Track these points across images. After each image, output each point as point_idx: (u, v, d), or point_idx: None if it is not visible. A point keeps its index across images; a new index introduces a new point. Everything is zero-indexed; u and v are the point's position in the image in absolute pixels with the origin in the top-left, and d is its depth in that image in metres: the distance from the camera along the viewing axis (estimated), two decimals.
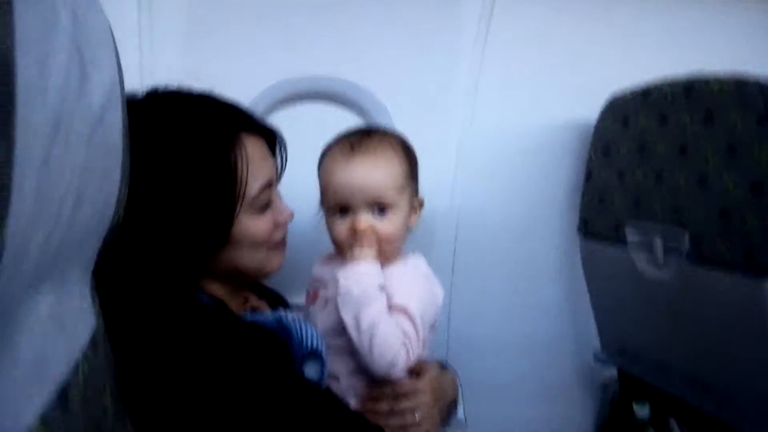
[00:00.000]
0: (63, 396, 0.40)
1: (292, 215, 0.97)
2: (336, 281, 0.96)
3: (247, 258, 0.91)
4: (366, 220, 0.98)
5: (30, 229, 0.31)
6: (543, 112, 1.49)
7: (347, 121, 1.35)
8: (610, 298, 1.47)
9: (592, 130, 1.42)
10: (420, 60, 1.41)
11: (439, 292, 1.02)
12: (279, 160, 0.99)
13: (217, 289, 0.92)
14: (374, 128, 1.08)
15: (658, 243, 1.25)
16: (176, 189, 0.82)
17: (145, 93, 0.88)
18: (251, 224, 0.89)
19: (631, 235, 1.32)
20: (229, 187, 0.85)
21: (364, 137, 1.01)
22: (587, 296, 1.55)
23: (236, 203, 0.86)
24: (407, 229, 1.02)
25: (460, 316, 1.54)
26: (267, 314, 0.96)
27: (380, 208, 0.98)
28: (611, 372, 1.61)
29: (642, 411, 1.48)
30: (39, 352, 0.37)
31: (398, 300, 0.94)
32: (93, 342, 0.51)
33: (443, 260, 1.52)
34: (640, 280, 1.31)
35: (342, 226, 0.99)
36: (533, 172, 1.54)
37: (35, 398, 0.36)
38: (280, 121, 1.08)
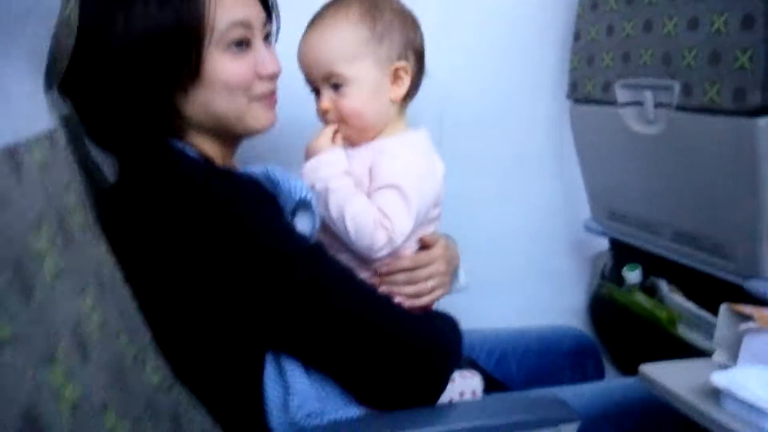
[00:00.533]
0: (12, 157, 0.38)
1: (278, 70, 0.93)
2: None
3: (223, 103, 0.87)
4: (328, 98, 0.95)
5: None
6: None
7: None
8: (600, 160, 1.46)
9: None
10: None
11: (438, 168, 0.98)
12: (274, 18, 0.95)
13: (204, 144, 0.90)
14: None
15: (649, 98, 1.23)
16: (143, 26, 0.80)
17: None
18: (223, 65, 0.85)
19: (621, 94, 1.30)
20: (194, 20, 0.82)
21: (323, 9, 0.96)
22: (577, 170, 1.54)
23: (201, 33, 0.83)
24: (386, 101, 0.96)
25: (448, 196, 1.53)
26: (254, 168, 0.94)
27: (335, 83, 0.94)
28: (602, 244, 1.62)
29: (632, 276, 1.48)
30: None
31: (387, 177, 0.92)
32: (50, 139, 0.49)
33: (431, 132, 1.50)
34: (630, 137, 1.29)
35: (318, 108, 0.97)
36: (520, 39, 1.50)
37: None
38: None
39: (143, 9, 0.79)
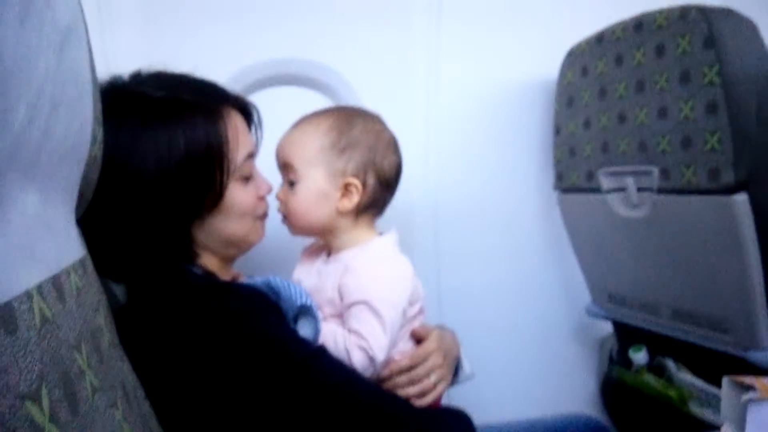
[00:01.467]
0: (57, 285, 0.43)
1: (270, 188, 1.01)
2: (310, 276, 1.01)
3: (235, 227, 0.95)
4: (283, 191, 1.01)
5: (10, 93, 0.34)
6: (506, 74, 1.53)
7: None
8: (593, 247, 1.50)
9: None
10: (378, 34, 1.45)
11: (405, 269, 0.99)
12: (255, 135, 1.03)
13: (209, 262, 0.96)
14: (334, 107, 1.11)
15: (631, 183, 1.28)
16: (171, 158, 0.86)
17: (129, 75, 0.92)
18: (238, 194, 0.93)
19: (605, 182, 1.36)
20: (220, 152, 0.89)
21: (308, 114, 1.03)
22: (573, 256, 1.58)
23: (228, 168, 0.90)
24: (331, 210, 0.99)
25: (449, 292, 1.56)
26: (255, 278, 0.99)
27: (290, 179, 1.00)
28: (606, 328, 1.64)
29: (638, 357, 1.49)
30: (28, 234, 0.40)
31: (354, 294, 0.95)
32: (82, 265, 0.54)
33: (425, 236, 1.55)
34: (618, 222, 1.34)
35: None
36: (504, 136, 1.58)
37: (34, 270, 0.39)
38: None
39: (172, 141, 0.86)
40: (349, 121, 1.00)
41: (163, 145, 0.85)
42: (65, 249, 0.49)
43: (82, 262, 0.54)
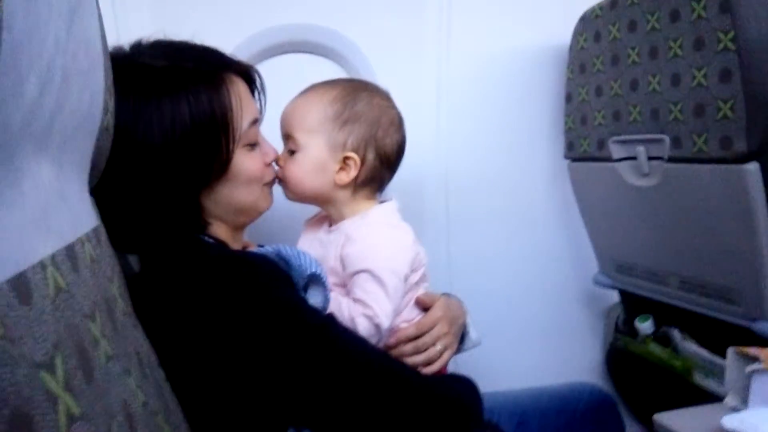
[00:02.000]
0: (71, 255, 0.44)
1: (277, 155, 1.01)
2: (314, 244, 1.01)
3: (244, 194, 0.94)
4: (283, 157, 1.00)
5: (21, 65, 0.34)
6: (518, 40, 1.51)
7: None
8: (602, 215, 1.50)
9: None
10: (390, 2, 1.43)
11: (405, 236, 1.00)
12: (259, 101, 1.02)
13: (219, 231, 0.96)
14: (343, 78, 1.09)
15: (642, 152, 1.27)
16: (176, 127, 0.85)
17: (130, 46, 0.91)
18: (245, 160, 0.93)
19: (616, 150, 1.35)
20: (225, 119, 0.89)
21: (316, 83, 1.03)
22: (581, 225, 1.58)
23: (234, 135, 0.90)
24: (329, 182, 0.99)
25: (458, 259, 1.57)
26: (265, 247, 0.99)
27: (291, 147, 1.00)
28: (613, 297, 1.64)
29: (644, 326, 1.50)
30: (43, 205, 0.41)
31: (355, 263, 0.95)
32: (96, 235, 0.54)
33: (436, 204, 1.55)
34: (628, 191, 1.34)
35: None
36: (515, 104, 1.56)
37: (49, 241, 0.39)
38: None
39: (176, 110, 0.85)
40: (355, 94, 1.00)
41: (167, 115, 0.85)
42: (79, 219, 0.50)
43: (95, 231, 0.54)
